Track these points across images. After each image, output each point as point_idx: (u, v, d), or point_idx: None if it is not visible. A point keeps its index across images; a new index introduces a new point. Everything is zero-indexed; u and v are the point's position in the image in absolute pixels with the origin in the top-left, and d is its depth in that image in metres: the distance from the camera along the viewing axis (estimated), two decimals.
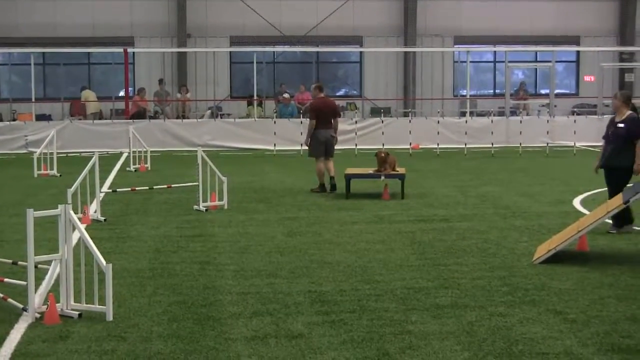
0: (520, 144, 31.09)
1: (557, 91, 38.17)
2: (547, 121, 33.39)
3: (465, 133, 31.68)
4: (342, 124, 33.04)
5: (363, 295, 10.11)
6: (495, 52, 41.76)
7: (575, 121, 32.73)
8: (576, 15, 41.71)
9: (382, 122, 33.00)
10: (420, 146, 31.87)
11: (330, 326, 8.84)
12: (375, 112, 37.32)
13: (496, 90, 42.65)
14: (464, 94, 38.13)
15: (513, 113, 35.88)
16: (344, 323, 8.94)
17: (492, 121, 33.18)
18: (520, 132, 31.45)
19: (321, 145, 20.00)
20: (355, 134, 32.02)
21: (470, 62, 36.87)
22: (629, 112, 14.33)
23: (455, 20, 41.22)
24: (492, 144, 31.03)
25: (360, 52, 41.63)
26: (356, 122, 33.17)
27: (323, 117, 20.05)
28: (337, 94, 43.43)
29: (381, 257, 12.37)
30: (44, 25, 39.34)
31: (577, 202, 17.93)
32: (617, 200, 12.45)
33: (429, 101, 39.78)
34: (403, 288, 10.44)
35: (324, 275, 11.17)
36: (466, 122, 33.04)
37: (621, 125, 14.26)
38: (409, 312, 9.38)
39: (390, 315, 9.22)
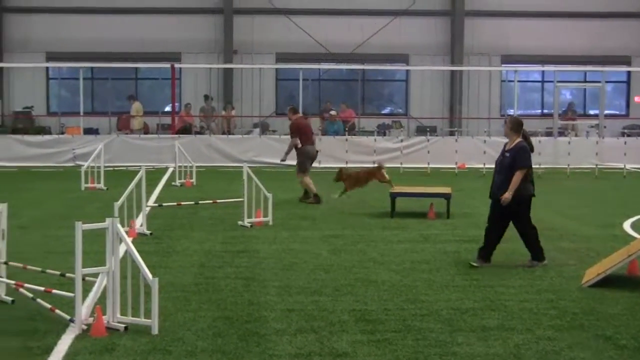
0: (569, 165, 30.86)
1: (606, 112, 37.89)
2: (596, 142, 33.13)
3: None
4: (387, 143, 33.17)
5: (408, 315, 10.05)
6: (543, 71, 41.50)
7: (625, 143, 32.38)
8: (627, 34, 41.26)
9: (428, 140, 32.91)
10: (466, 166, 31.72)
11: (375, 345, 8.79)
12: (421, 130, 37.21)
13: (544, 110, 42.33)
14: (511, 113, 37.93)
15: (561, 134, 35.64)
16: (389, 343, 8.88)
17: (539, 141, 32.74)
18: (569, 153, 31.24)
19: (309, 160, 21.68)
20: (400, 152, 31.95)
21: (518, 81, 36.71)
22: (519, 140, 13.31)
23: (502, 39, 40.97)
24: (540, 165, 30.74)
25: (407, 71, 41.56)
26: (402, 140, 33.13)
27: (305, 134, 21.56)
28: (383, 112, 43.39)
29: (426, 276, 12.29)
30: (92, 40, 39.67)
31: (627, 226, 17.71)
32: None
33: (476, 120, 39.59)
34: (449, 309, 10.36)
35: (368, 294, 11.12)
36: None
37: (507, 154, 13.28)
38: (455, 333, 9.30)
39: (435, 336, 9.15)
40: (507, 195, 12.95)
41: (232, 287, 11.45)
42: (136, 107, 37.48)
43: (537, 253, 13.30)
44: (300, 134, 21.49)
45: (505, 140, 13.78)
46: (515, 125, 13.44)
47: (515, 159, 13.09)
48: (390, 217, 18.41)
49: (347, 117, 37.00)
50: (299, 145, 21.43)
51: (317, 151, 22.09)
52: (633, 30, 41.53)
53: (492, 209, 13.35)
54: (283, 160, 22.12)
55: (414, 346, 8.78)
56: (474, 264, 13.09)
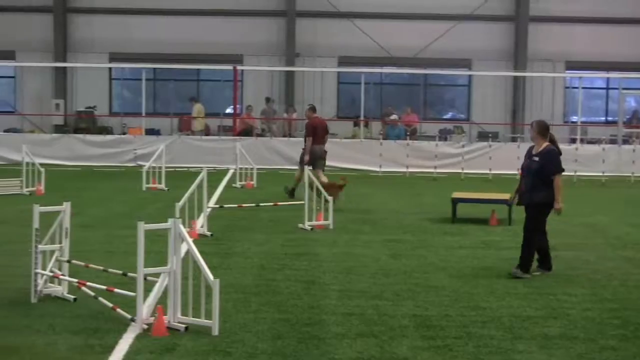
0: (633, 173, 30.50)
1: None
2: None
3: (575, 160, 31.11)
4: (448, 148, 33.02)
5: (469, 321, 9.97)
6: (608, 78, 41.02)
7: None
8: None
9: (490, 146, 32.70)
10: None
11: (435, 351, 8.73)
12: (483, 136, 36.97)
13: (608, 118, 41.86)
14: (575, 120, 37.57)
15: (625, 142, 35.18)
16: (450, 349, 8.82)
17: (603, 149, 32.49)
18: (633, 162, 30.88)
19: (317, 159, 22.42)
20: (462, 157, 31.79)
21: (582, 88, 36.35)
22: (547, 143, 13.09)
23: (566, 45, 40.54)
24: (603, 173, 30.44)
25: (469, 76, 41.36)
26: (463, 146, 32.95)
27: (317, 134, 22.47)
28: (444, 117, 43.18)
29: (487, 283, 12.19)
30: (155, 41, 40.01)
31: None
32: None
33: None
34: (510, 316, 10.26)
35: (429, 299, 11.05)
36: (576, 149, 32.47)
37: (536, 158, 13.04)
38: (516, 340, 9.21)
39: (496, 343, 9.07)
40: (560, 205, 12.79)
41: (292, 289, 11.45)
42: (198, 108, 37.68)
43: (526, 264, 12.81)
44: (313, 133, 22.47)
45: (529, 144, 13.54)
46: (542, 129, 13.17)
47: (548, 165, 12.86)
48: (451, 223, 18.30)
49: (409, 122, 36.89)
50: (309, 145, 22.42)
51: (324, 151, 22.75)
52: None
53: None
54: (306, 162, 21.82)
55: (475, 353, 8.71)
56: (535, 273, 12.90)
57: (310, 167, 20.73)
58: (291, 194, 22.30)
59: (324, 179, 21.34)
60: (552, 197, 12.80)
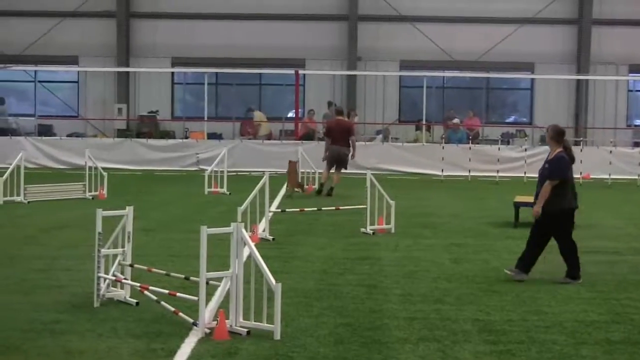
0: None
1: None
2: None
3: (639, 164, 30.81)
4: (511, 152, 32.81)
5: (532, 326, 9.91)
6: None
7: None
8: None
9: None
10: (591, 176, 31.15)
11: (497, 356, 8.70)
12: (545, 140, 36.59)
13: None
14: (638, 124, 37.11)
15: None
16: (512, 354, 8.78)
17: None
18: None
19: (331, 159, 24.18)
20: (524, 161, 31.57)
21: None
22: (559, 150, 12.76)
23: (630, 48, 40.05)
24: None
25: (532, 79, 41.06)
26: (525, 149, 32.74)
27: (334, 135, 24.05)
28: (507, 120, 42.92)
29: (550, 288, 12.11)
30: (217, 46, 40.26)
31: None
32: None
33: (601, 130, 38.85)
34: (573, 321, 10.18)
35: (491, 303, 11.00)
36: None
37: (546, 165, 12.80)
38: (579, 345, 9.13)
39: (559, 349, 9.00)
40: (537, 209, 12.54)
41: (354, 294, 11.46)
42: (258, 115, 37.87)
43: (573, 270, 12.63)
44: (329, 135, 24.34)
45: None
46: (556, 135, 12.83)
47: (550, 170, 12.62)
48: (513, 227, 18.18)
49: (471, 126, 36.73)
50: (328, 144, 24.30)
51: (343, 153, 24.18)
52: None
53: (535, 221, 12.85)
54: (323, 159, 24.47)
55: (538, 358, 8.67)
56: (508, 272, 12.65)
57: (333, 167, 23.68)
58: (318, 192, 24.25)
59: (335, 179, 24.21)
60: (565, 203, 12.56)
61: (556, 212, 12.53)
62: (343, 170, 24.67)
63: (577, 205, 12.90)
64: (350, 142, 24.17)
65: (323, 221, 18.75)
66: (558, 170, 12.58)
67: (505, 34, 39.93)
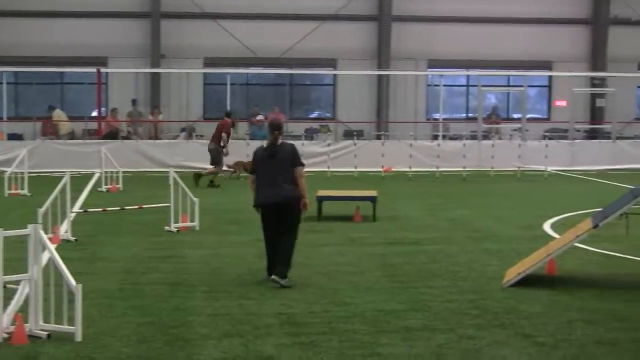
0: (492, 167, 31.24)
1: (529, 115, 38.32)
2: (519, 145, 33.56)
3: (438, 156, 31.78)
4: (315, 147, 33.24)
5: (333, 317, 10.12)
6: (468, 76, 41.99)
7: (546, 145, 32.82)
8: (548, 40, 41.85)
9: (355, 144, 33.09)
10: (392, 169, 31.91)
11: (300, 348, 8.84)
12: (348, 134, 37.27)
13: (469, 114, 42.79)
14: (437, 117, 38.26)
15: (485, 137, 36.06)
16: (314, 345, 8.95)
17: (464, 145, 33.20)
18: (492, 156, 31.62)
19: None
20: (328, 156, 32.08)
21: (443, 85, 37.17)
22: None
23: (428, 44, 41.22)
24: (464, 168, 31.07)
25: (334, 75, 41.70)
26: (329, 144, 33.29)
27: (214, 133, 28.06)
28: (310, 116, 43.42)
29: (352, 279, 12.39)
30: (17, 44, 39.08)
31: (547, 226, 17.99)
32: (586, 225, 12.42)
33: (402, 124, 39.79)
34: (373, 310, 10.46)
35: (294, 297, 11.17)
36: (438, 145, 33.18)
37: None
38: (379, 334, 9.39)
39: (360, 338, 9.24)
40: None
41: (158, 292, 11.43)
42: (57, 114, 37.10)
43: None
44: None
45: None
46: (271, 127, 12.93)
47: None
48: (317, 221, 18.45)
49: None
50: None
51: (212, 149, 27.69)
52: (554, 37, 42.10)
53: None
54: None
55: (339, 348, 8.85)
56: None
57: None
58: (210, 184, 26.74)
59: (210, 170, 27.25)
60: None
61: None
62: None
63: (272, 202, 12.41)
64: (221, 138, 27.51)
65: (127, 220, 18.58)
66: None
67: (308, 30, 40.38)
